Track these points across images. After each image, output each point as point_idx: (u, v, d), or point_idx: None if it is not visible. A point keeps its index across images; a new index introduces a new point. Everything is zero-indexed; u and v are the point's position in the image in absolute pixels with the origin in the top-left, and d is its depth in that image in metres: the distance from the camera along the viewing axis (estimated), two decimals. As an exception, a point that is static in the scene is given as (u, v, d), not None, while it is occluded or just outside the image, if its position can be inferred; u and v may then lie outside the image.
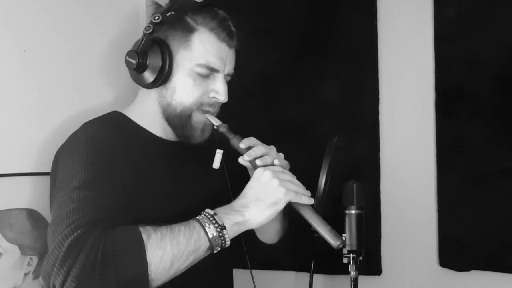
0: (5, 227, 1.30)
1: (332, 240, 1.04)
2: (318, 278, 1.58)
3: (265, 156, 1.13)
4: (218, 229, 0.99)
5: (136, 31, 1.73)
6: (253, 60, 1.59)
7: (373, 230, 1.49)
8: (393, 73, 1.52)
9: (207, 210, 1.02)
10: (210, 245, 0.99)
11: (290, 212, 1.32)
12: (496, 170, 1.38)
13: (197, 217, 1.01)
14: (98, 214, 0.96)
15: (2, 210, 1.29)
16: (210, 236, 0.98)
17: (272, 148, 1.17)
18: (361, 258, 1.09)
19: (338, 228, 1.08)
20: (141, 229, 0.95)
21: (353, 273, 1.08)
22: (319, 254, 1.17)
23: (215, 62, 1.15)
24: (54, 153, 1.16)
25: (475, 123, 1.41)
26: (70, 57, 1.48)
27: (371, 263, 1.48)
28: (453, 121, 1.44)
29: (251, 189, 1.08)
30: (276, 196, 1.05)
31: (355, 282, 1.08)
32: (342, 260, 1.09)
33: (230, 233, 1.01)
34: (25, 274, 1.34)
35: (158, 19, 1.14)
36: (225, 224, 1.00)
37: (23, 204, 1.34)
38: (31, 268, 1.35)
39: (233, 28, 1.19)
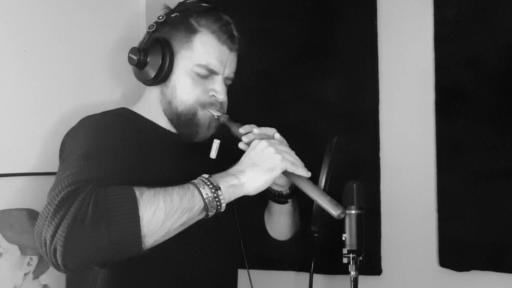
0: (5, 227, 1.30)
1: (332, 210, 1.03)
2: (318, 278, 1.58)
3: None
4: (213, 190, 0.99)
5: (136, 30, 1.73)
6: (253, 60, 1.59)
7: (373, 230, 1.49)
8: (393, 73, 1.52)
9: (203, 175, 1.02)
10: (204, 206, 0.98)
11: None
12: (496, 170, 1.38)
13: (192, 181, 1.01)
14: (95, 176, 0.97)
15: (2, 210, 1.29)
16: (205, 196, 0.98)
17: (273, 130, 1.19)
18: (361, 258, 1.09)
19: (338, 227, 1.08)
20: (134, 187, 0.95)
21: (353, 273, 1.08)
22: (319, 254, 1.17)
23: (214, 64, 1.18)
24: (55, 153, 1.18)
25: (475, 123, 1.40)
26: (70, 57, 1.49)
27: (371, 263, 1.48)
28: (453, 121, 1.43)
29: (247, 156, 1.09)
30: (272, 162, 1.06)
31: (355, 282, 1.08)
32: (342, 260, 1.09)
33: (225, 195, 1.00)
34: (25, 274, 1.34)
35: (162, 18, 1.19)
36: (220, 186, 1.00)
37: (23, 204, 1.34)
38: (31, 268, 1.36)
39: (235, 32, 1.22)
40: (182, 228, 0.99)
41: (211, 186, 0.99)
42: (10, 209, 1.31)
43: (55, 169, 1.13)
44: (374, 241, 1.49)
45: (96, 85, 1.57)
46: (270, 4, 1.65)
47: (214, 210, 1.00)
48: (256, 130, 1.16)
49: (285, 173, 1.10)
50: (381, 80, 1.53)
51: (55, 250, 0.88)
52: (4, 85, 1.31)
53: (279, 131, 1.19)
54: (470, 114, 1.41)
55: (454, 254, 1.43)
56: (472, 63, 1.41)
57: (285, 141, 1.20)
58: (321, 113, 1.57)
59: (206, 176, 1.02)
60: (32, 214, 1.35)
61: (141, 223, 0.91)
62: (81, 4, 1.53)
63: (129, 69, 1.23)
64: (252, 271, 1.26)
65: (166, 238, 0.97)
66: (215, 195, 0.99)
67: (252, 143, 1.11)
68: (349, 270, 1.09)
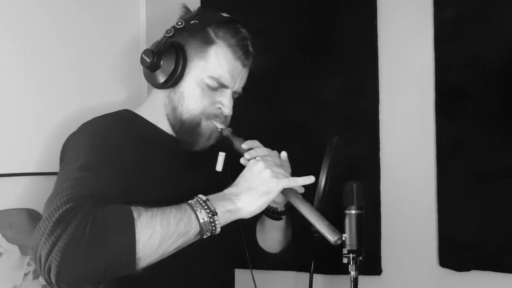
0: (5, 227, 1.30)
1: (329, 235, 1.03)
2: (318, 278, 1.58)
3: (267, 156, 1.14)
4: (210, 215, 0.99)
5: (136, 30, 1.73)
6: (253, 60, 1.59)
7: (373, 230, 1.49)
8: (393, 73, 1.52)
9: (200, 195, 1.02)
10: (200, 230, 0.98)
11: (292, 219, 1.32)
12: (496, 170, 1.38)
13: (189, 201, 1.01)
14: (94, 192, 0.97)
15: (2, 210, 1.29)
16: (201, 220, 0.98)
17: (275, 152, 1.18)
18: (361, 258, 1.09)
19: (338, 228, 1.08)
20: (132, 208, 0.95)
21: (353, 273, 1.08)
22: (319, 254, 1.17)
23: (226, 78, 1.18)
24: (55, 153, 1.17)
25: (475, 123, 1.41)
26: (70, 57, 1.49)
27: (371, 263, 1.48)
28: (453, 121, 1.43)
29: (243, 177, 1.08)
30: (268, 185, 1.05)
31: (355, 282, 1.08)
32: (342, 260, 1.09)
33: (221, 220, 1.01)
34: (25, 274, 1.34)
35: (181, 24, 1.18)
36: (216, 211, 1.00)
37: (23, 204, 1.34)
38: (31, 268, 1.36)
39: (250, 48, 1.22)
40: (176, 250, 0.99)
41: (208, 210, 0.99)
42: (10, 209, 1.31)
43: (56, 170, 1.13)
44: (374, 241, 1.49)
45: (97, 86, 1.57)
46: (270, 4, 1.65)
47: (209, 234, 1.00)
48: (259, 150, 1.15)
49: (285, 194, 1.09)
50: (381, 80, 1.53)
51: (49, 269, 0.88)
52: (4, 85, 1.31)
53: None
54: (470, 114, 1.41)
55: (454, 254, 1.43)
56: (472, 63, 1.41)
57: (288, 166, 1.20)
58: (321, 113, 1.57)
59: (204, 198, 1.01)
60: (32, 214, 1.35)
61: (137, 246, 0.91)
62: (81, 4, 1.53)
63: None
64: (253, 271, 1.26)
65: (160, 259, 0.97)
66: (211, 220, 0.99)
67: (249, 163, 1.10)
68: (349, 270, 1.09)
